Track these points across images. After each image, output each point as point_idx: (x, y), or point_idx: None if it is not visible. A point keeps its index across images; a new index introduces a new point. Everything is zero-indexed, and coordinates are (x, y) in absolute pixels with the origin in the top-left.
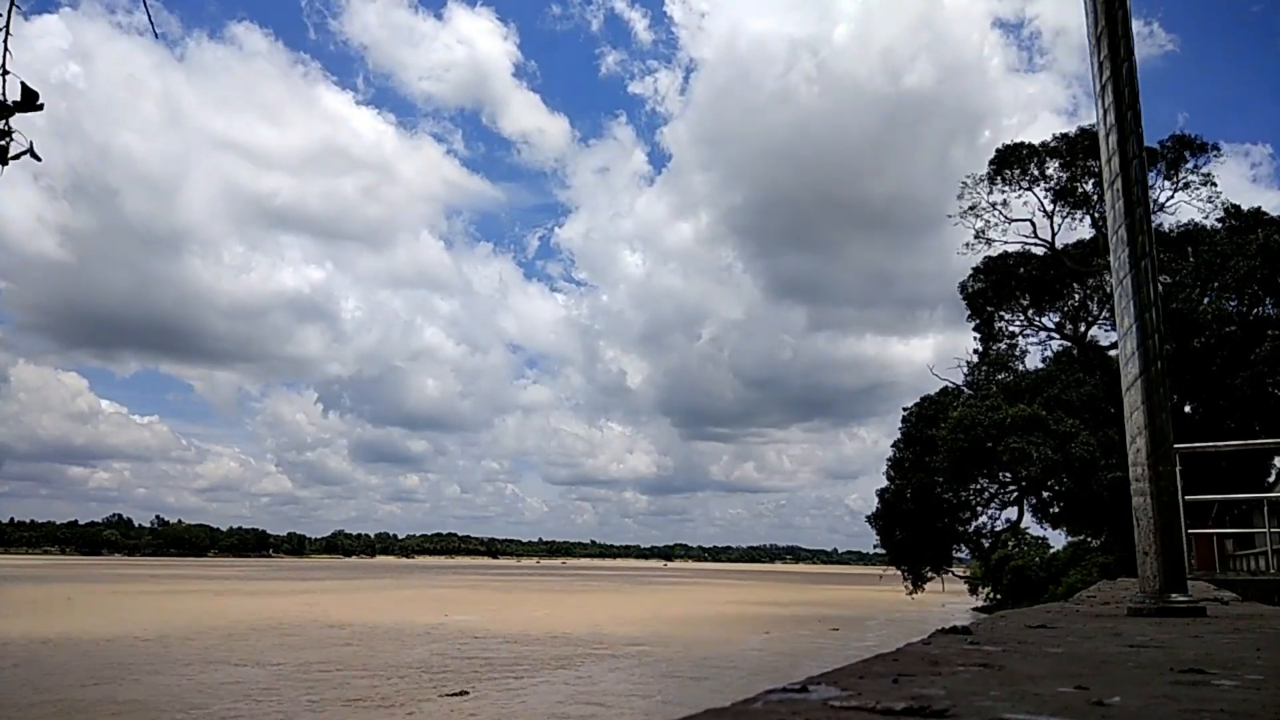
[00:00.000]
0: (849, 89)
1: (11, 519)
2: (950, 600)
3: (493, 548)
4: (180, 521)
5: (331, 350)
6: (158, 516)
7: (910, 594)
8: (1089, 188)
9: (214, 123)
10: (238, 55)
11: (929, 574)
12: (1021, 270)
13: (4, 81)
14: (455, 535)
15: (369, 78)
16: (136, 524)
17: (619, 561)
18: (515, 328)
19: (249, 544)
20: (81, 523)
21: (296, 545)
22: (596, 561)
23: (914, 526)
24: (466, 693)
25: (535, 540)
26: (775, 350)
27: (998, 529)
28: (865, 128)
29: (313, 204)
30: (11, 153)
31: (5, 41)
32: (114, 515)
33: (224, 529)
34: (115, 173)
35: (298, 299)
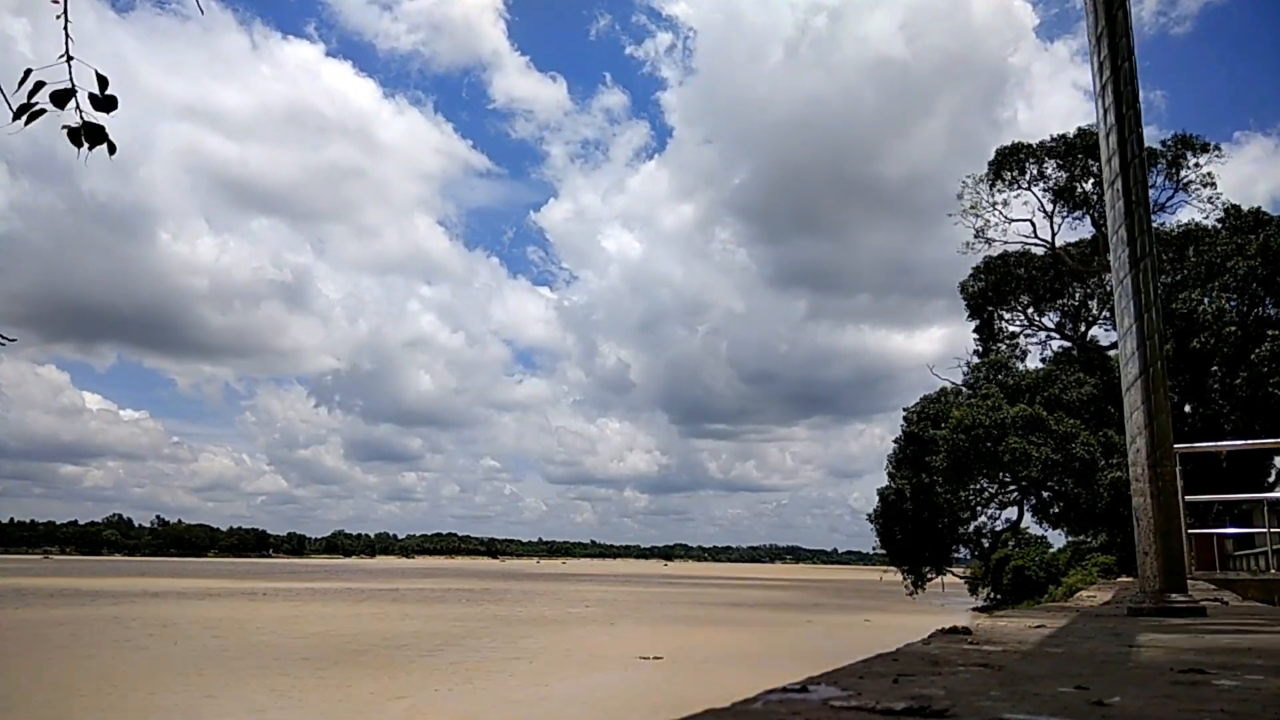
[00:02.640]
0: (862, 54)
1: (11, 519)
2: (950, 600)
3: (493, 548)
4: (180, 521)
5: (323, 344)
6: (158, 516)
7: (910, 594)
8: (1089, 188)
9: (172, 88)
10: (182, 13)
11: (929, 574)
12: (1021, 270)
13: (70, 70)
14: (455, 535)
15: (325, 32)
16: (136, 524)
17: (619, 562)
18: (508, 318)
19: (249, 544)
20: (81, 522)
21: (297, 545)
22: (597, 562)
23: (914, 526)
24: None
25: (535, 540)
26: (778, 343)
27: (998, 529)
28: (879, 98)
29: (287, 176)
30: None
31: (66, 30)
32: (114, 515)
33: (223, 529)
34: (71, 146)
35: (280, 287)
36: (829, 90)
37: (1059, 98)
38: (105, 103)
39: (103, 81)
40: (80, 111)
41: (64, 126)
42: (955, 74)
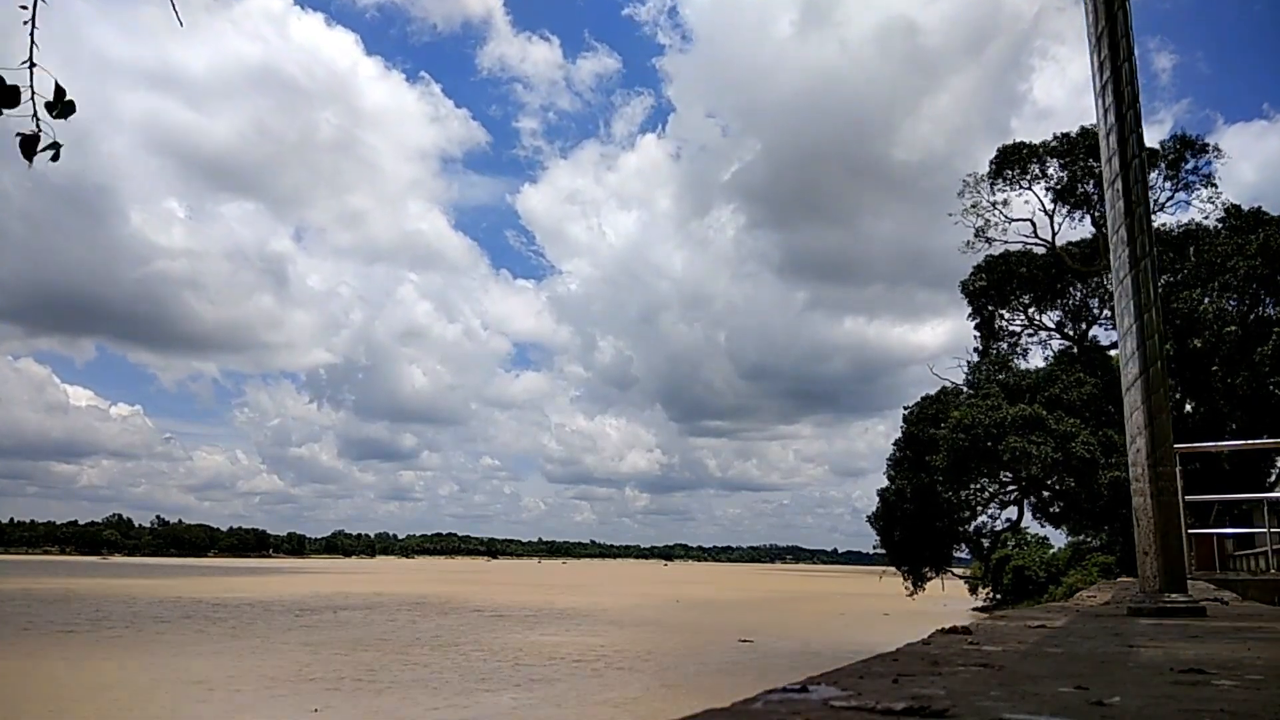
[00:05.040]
0: (876, 20)
1: (11, 519)
2: (950, 600)
3: (492, 548)
4: (180, 521)
5: (316, 337)
6: (158, 517)
7: (910, 595)
8: (1089, 188)
9: (130, 52)
10: None
11: (929, 574)
12: (1022, 269)
13: (31, 76)
14: (455, 535)
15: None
16: (136, 524)
17: (618, 563)
18: (502, 312)
19: (249, 544)
20: (81, 522)
21: (297, 545)
22: (596, 563)
23: (914, 526)
24: None
25: (535, 540)
26: (780, 338)
27: (998, 529)
28: (893, 70)
29: (261, 152)
30: (39, 146)
31: (32, 35)
32: (114, 515)
33: (223, 529)
34: (23, 123)
35: (265, 276)
36: (840, 62)
37: (1081, 64)
38: (62, 109)
39: (59, 91)
40: (36, 118)
41: (17, 134)
42: (974, 41)
